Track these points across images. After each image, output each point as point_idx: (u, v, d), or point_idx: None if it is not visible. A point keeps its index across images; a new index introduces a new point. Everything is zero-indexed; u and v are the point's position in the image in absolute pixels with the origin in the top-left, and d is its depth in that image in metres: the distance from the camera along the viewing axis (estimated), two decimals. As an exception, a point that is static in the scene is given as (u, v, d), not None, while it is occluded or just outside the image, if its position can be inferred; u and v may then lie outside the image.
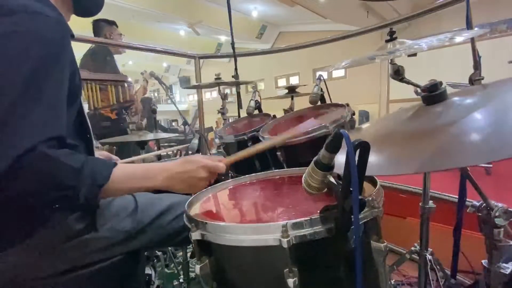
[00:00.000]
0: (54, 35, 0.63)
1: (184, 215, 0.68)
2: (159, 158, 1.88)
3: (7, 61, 0.57)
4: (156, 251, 1.50)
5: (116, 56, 2.63)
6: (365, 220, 0.55)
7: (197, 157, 0.75)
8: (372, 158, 0.48)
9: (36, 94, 0.57)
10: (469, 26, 1.08)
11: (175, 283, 1.40)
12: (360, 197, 0.50)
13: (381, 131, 0.80)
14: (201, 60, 2.47)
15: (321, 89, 1.44)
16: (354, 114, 1.19)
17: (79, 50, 2.50)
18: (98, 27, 2.55)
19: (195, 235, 0.60)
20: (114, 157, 1.18)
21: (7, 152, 0.52)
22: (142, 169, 0.71)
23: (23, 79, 0.57)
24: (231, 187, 0.94)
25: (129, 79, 2.58)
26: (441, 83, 0.68)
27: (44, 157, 0.54)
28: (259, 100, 1.72)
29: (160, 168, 0.72)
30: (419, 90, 0.77)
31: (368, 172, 0.49)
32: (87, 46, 2.51)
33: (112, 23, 2.59)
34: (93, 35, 2.54)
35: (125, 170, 0.66)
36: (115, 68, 2.57)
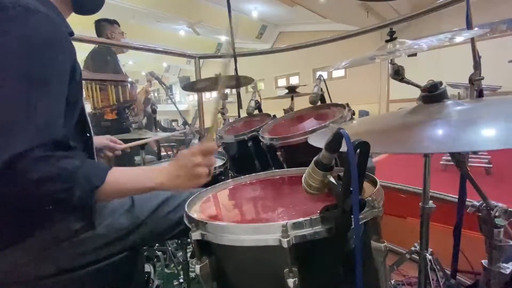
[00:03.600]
0: (52, 33, 0.62)
1: (184, 215, 0.68)
2: (159, 158, 1.88)
3: (4, 62, 0.56)
4: (156, 251, 1.50)
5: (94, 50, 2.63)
6: (365, 220, 0.55)
7: (184, 150, 0.74)
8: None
9: (33, 98, 0.56)
10: (469, 26, 1.08)
11: (175, 283, 1.41)
12: (360, 197, 0.50)
13: (372, 124, 0.82)
14: (201, 60, 2.47)
15: (321, 89, 1.44)
16: (354, 114, 1.19)
17: (85, 50, 2.53)
18: (100, 27, 2.57)
19: (195, 235, 0.60)
20: (119, 141, 1.18)
21: (0, 154, 0.51)
22: (139, 171, 0.70)
23: (21, 81, 0.56)
24: (231, 187, 0.94)
25: (130, 80, 2.59)
26: (441, 83, 0.68)
27: (38, 160, 0.53)
28: (259, 100, 1.72)
29: (157, 169, 0.71)
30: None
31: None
32: (92, 46, 2.52)
33: (113, 22, 2.60)
34: (96, 36, 2.54)
35: (121, 173, 0.65)
36: (116, 68, 2.57)
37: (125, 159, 2.07)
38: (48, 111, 0.58)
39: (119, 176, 0.64)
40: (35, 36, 0.59)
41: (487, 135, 0.52)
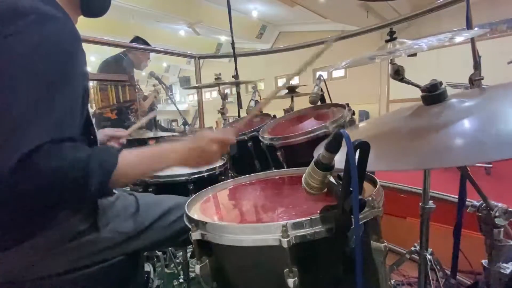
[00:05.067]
0: (68, 38, 0.64)
1: (184, 215, 0.68)
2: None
3: (23, 63, 0.57)
4: (156, 251, 1.50)
5: (116, 56, 2.66)
6: (365, 220, 0.55)
7: (206, 132, 0.75)
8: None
9: (51, 97, 0.57)
10: (469, 26, 1.08)
11: (175, 283, 1.40)
12: (360, 197, 0.49)
13: (378, 129, 0.81)
14: (201, 60, 2.46)
15: (321, 89, 1.44)
16: (354, 114, 1.19)
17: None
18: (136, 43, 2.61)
19: (195, 235, 0.60)
20: (121, 130, 1.19)
21: (16, 150, 0.52)
22: (151, 151, 0.71)
23: (38, 80, 0.57)
24: (231, 187, 0.94)
25: (138, 86, 2.63)
26: (441, 83, 0.68)
27: (51, 153, 0.54)
28: (259, 100, 1.72)
29: (170, 149, 0.71)
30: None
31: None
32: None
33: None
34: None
35: (133, 155, 0.65)
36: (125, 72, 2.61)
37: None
38: (63, 110, 0.59)
39: (130, 160, 0.64)
40: (56, 40, 0.61)
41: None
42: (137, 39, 2.60)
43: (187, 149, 0.72)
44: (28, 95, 0.56)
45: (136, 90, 2.57)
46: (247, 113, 1.72)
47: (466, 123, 0.57)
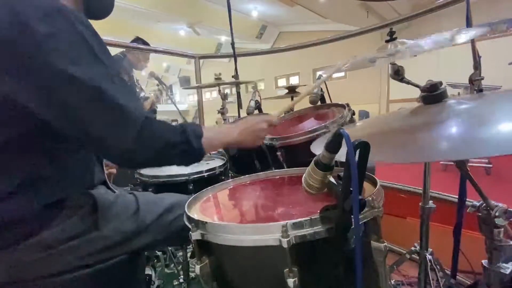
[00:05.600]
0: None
1: (184, 215, 0.68)
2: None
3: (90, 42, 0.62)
4: (156, 251, 1.50)
5: (115, 56, 2.66)
6: (365, 220, 0.55)
7: (253, 116, 0.87)
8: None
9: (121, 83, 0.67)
10: (469, 26, 1.07)
11: (175, 283, 1.40)
12: (360, 197, 0.50)
13: (375, 125, 0.83)
14: (201, 60, 2.46)
15: (321, 89, 1.44)
16: (354, 114, 1.19)
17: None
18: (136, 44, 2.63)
19: (195, 235, 0.60)
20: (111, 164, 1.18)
21: (133, 124, 0.63)
22: (221, 128, 0.90)
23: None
24: (231, 187, 0.94)
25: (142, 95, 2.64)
26: (441, 83, 0.68)
27: (152, 124, 0.66)
28: (259, 100, 1.72)
29: (231, 127, 0.88)
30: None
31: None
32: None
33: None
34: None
35: (206, 129, 0.77)
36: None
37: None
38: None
39: (206, 131, 0.76)
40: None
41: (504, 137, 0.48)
42: (137, 40, 2.61)
43: (243, 127, 0.85)
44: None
45: (137, 90, 2.57)
46: (247, 113, 1.72)
47: (459, 123, 0.59)
